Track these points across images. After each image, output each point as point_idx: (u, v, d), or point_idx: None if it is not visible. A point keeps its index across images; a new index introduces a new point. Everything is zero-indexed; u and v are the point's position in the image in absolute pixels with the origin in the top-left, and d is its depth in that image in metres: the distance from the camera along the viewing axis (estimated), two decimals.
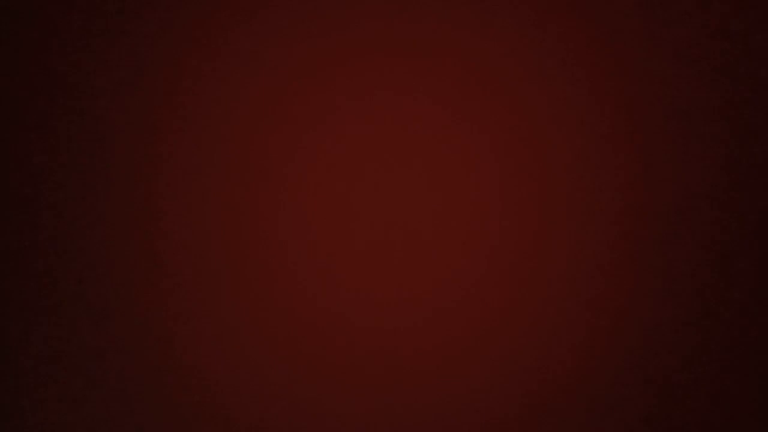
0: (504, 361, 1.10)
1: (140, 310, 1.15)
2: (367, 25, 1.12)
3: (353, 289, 1.12)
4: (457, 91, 1.11)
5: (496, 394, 1.10)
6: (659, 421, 1.07)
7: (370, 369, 1.12)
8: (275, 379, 1.13)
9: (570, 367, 1.08)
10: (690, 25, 1.07)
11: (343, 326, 1.12)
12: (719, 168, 1.07)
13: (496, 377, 1.10)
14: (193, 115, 1.15)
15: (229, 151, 1.14)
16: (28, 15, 1.19)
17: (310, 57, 1.13)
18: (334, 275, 1.12)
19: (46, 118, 1.18)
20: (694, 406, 1.07)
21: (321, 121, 1.13)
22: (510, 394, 1.10)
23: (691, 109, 1.07)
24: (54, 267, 1.17)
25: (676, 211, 1.07)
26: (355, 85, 1.12)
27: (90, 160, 1.17)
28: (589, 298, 1.08)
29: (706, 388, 1.07)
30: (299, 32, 1.13)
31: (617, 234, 1.08)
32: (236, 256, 1.14)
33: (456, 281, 1.10)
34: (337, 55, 1.13)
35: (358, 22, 1.12)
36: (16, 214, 1.18)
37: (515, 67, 1.10)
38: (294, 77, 1.13)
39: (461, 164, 1.10)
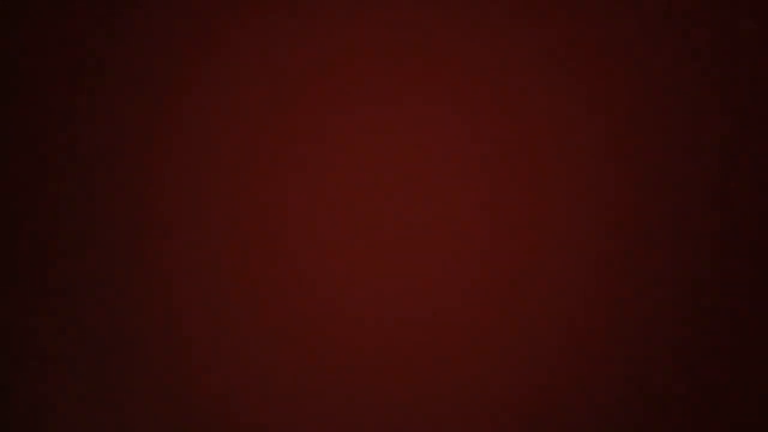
0: (501, 356, 1.10)
1: (146, 310, 1.16)
2: (368, 29, 1.12)
3: (357, 287, 1.12)
4: (455, 96, 1.11)
5: (494, 388, 1.10)
6: (652, 421, 1.08)
7: (371, 364, 1.12)
8: (280, 374, 1.13)
9: (565, 366, 1.08)
10: (687, 25, 1.07)
11: (347, 323, 1.12)
12: (715, 167, 1.07)
13: (493, 373, 1.10)
14: (198, 115, 1.15)
15: (234, 152, 1.14)
16: (37, 15, 1.19)
17: (313, 59, 1.13)
18: (337, 274, 1.12)
19: (53, 118, 1.18)
20: (688, 410, 1.07)
21: (324, 123, 1.13)
22: (508, 386, 1.10)
23: (687, 110, 1.07)
24: (61, 266, 1.17)
25: (672, 211, 1.07)
26: (357, 88, 1.12)
27: (94, 161, 1.17)
28: (586, 297, 1.08)
29: (701, 392, 1.07)
30: (303, 35, 1.14)
31: (612, 234, 1.08)
32: (240, 256, 1.14)
33: (453, 279, 1.11)
34: (340, 58, 1.13)
35: (360, 25, 1.12)
36: (23, 213, 1.18)
37: (512, 70, 1.10)
38: (298, 78, 1.14)
39: (459, 167, 1.11)
